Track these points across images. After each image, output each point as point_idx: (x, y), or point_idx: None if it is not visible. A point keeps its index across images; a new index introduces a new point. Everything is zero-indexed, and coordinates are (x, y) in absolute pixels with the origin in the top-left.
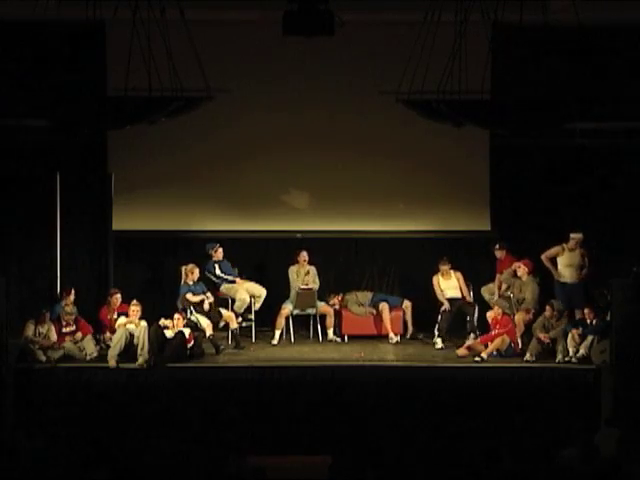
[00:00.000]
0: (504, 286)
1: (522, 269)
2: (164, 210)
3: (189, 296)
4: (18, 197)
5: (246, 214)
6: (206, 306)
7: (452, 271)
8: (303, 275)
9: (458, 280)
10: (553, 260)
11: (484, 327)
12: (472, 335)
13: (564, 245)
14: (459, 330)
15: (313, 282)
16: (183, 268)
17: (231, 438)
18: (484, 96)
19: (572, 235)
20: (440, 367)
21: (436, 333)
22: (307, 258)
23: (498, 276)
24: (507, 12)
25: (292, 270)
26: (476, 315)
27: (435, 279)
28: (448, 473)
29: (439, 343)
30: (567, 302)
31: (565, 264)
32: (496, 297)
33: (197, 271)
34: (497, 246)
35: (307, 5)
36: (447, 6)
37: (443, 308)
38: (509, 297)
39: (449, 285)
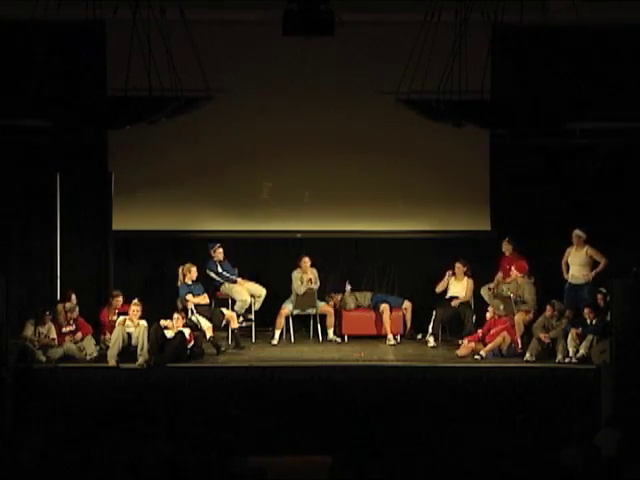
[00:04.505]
0: (505, 287)
1: (514, 272)
2: (164, 210)
3: (189, 297)
4: (18, 197)
5: (246, 214)
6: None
7: (466, 277)
8: (307, 282)
9: (467, 284)
10: (566, 262)
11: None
12: (467, 340)
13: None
14: (457, 331)
15: (314, 283)
16: (180, 268)
17: (231, 438)
18: (484, 96)
19: (574, 232)
20: (440, 367)
21: (429, 331)
22: (309, 263)
23: (499, 275)
24: (507, 12)
25: (296, 276)
26: (474, 318)
27: (448, 278)
28: (448, 473)
29: (431, 341)
30: (574, 303)
31: (571, 264)
32: (491, 294)
33: (194, 270)
34: (507, 238)
35: (307, 5)
36: (447, 6)
37: (439, 304)
38: (509, 297)
39: (456, 285)
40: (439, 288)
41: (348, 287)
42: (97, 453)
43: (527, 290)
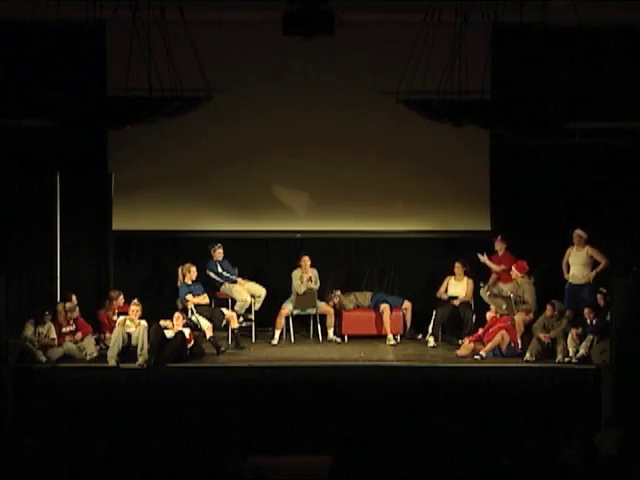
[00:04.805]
0: (504, 287)
1: (514, 272)
2: (164, 210)
3: (189, 297)
4: (18, 197)
5: (246, 214)
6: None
7: (465, 277)
8: (306, 281)
9: (467, 285)
10: (567, 262)
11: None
12: (467, 339)
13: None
14: (457, 331)
15: (314, 283)
16: (180, 268)
17: (231, 438)
18: (484, 96)
19: (575, 232)
20: (440, 367)
21: (429, 331)
22: (310, 262)
23: (494, 275)
24: (507, 12)
25: (296, 275)
26: (474, 318)
27: (447, 279)
28: (448, 473)
29: (431, 341)
30: (574, 303)
31: (572, 264)
32: (488, 293)
33: (194, 270)
34: (499, 237)
35: (307, 5)
36: (447, 6)
37: (440, 304)
38: (509, 297)
39: (456, 285)
40: (439, 294)
41: (338, 292)
42: (97, 453)
43: (527, 290)
